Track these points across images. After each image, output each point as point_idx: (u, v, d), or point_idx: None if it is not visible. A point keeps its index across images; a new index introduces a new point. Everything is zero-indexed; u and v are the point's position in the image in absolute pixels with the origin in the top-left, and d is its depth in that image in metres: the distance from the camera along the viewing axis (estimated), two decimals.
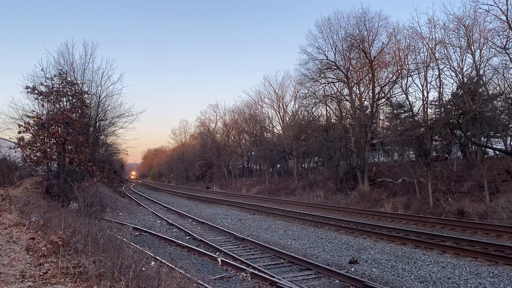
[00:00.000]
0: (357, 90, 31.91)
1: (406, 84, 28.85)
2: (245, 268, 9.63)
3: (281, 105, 49.82)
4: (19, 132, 15.39)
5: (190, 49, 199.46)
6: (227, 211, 24.54)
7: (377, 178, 27.75)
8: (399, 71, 28.24)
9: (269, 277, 8.76)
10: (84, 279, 5.67)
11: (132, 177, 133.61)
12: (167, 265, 8.73)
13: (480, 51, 24.34)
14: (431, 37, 26.15)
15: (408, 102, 29.90)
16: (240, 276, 9.25)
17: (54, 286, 5.31)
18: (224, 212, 24.23)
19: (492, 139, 26.46)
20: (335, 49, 30.69)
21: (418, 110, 29.97)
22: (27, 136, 15.68)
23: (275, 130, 51.74)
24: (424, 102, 28.21)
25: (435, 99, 29.31)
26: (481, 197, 18.94)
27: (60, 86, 16.57)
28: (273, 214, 21.91)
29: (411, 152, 28.36)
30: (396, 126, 27.73)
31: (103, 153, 32.69)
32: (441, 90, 26.97)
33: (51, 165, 16.59)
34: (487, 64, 24.35)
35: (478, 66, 24.45)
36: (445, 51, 25.79)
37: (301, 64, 34.25)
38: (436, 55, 26.23)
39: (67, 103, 16.89)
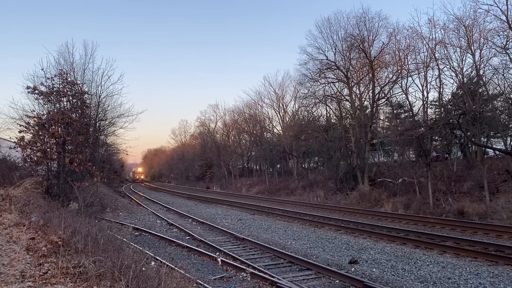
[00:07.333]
0: (357, 90, 31.95)
1: (406, 84, 28.95)
2: (245, 268, 9.62)
3: (281, 105, 49.90)
4: (20, 132, 15.40)
5: (190, 49, 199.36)
6: (227, 211, 24.53)
7: (377, 178, 27.74)
8: (399, 71, 28.28)
9: (269, 277, 8.76)
10: (84, 279, 5.67)
11: (137, 176, 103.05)
12: (167, 265, 8.71)
13: (480, 51, 24.37)
14: (431, 37, 26.22)
15: (408, 102, 29.98)
16: (240, 276, 9.24)
17: (54, 286, 5.31)
18: (224, 212, 24.22)
19: (492, 139, 26.46)
20: (335, 49, 30.74)
21: (418, 110, 30.05)
22: (27, 136, 15.67)
23: (275, 130, 51.84)
24: (424, 102, 28.24)
25: (435, 99, 29.39)
26: (481, 197, 18.93)
27: (61, 86, 16.57)
28: (273, 214, 21.90)
29: (411, 152, 28.42)
30: (396, 126, 27.74)
31: (103, 153, 32.70)
32: (441, 90, 27.02)
33: (51, 165, 16.57)
34: (487, 64, 24.40)
35: (478, 66, 24.48)
36: (445, 51, 25.86)
37: (301, 64, 34.30)
38: (436, 55, 26.29)
39: (67, 103, 16.90)
